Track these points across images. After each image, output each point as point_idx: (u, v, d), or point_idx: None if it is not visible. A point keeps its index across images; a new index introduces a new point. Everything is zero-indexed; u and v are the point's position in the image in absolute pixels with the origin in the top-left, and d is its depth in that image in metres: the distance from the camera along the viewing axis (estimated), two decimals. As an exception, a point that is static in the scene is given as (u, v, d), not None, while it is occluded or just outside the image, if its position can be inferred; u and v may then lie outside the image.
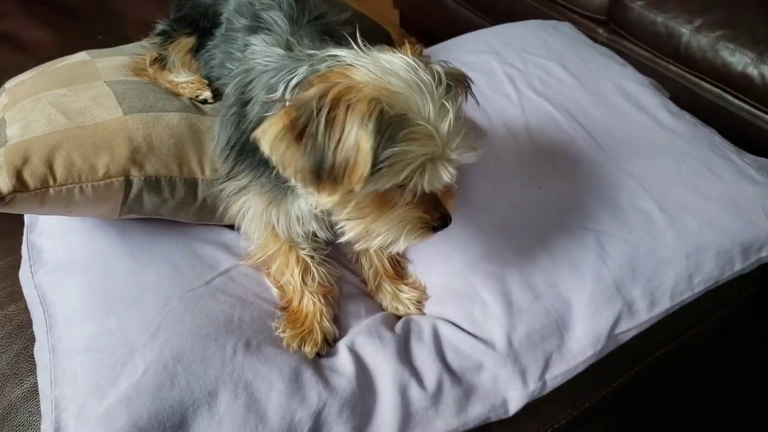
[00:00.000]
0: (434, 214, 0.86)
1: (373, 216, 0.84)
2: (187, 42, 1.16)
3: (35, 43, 1.61)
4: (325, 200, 0.78)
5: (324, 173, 0.74)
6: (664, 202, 1.14)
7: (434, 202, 0.86)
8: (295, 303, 1.00)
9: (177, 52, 1.15)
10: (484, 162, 1.21)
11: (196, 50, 1.16)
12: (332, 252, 1.12)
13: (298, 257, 1.03)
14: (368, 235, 0.85)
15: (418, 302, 1.09)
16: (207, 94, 1.13)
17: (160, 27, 1.20)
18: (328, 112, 0.72)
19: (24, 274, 1.06)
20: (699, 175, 1.19)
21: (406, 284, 1.10)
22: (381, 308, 1.10)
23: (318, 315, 0.98)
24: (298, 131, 0.73)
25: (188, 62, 1.16)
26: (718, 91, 2.06)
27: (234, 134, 0.93)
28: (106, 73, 1.14)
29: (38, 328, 0.97)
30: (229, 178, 0.97)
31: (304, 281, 1.00)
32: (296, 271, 1.01)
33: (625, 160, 1.21)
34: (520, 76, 1.37)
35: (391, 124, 0.74)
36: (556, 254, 1.09)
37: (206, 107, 1.13)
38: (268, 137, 0.74)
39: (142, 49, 1.25)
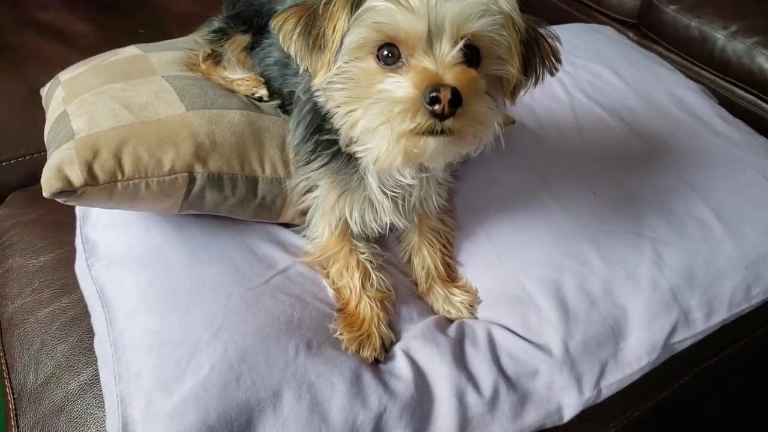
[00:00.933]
0: (424, 86, 0.71)
1: (356, 93, 0.79)
2: (243, 39, 1.15)
3: (78, 36, 1.61)
4: (318, 79, 0.81)
5: (311, 41, 0.79)
6: (722, 211, 1.13)
7: (432, 75, 0.73)
8: (352, 306, 1.00)
9: (233, 50, 1.15)
10: (538, 165, 1.21)
11: (251, 48, 1.15)
12: (383, 251, 1.12)
13: (358, 261, 1.02)
14: (354, 123, 0.79)
15: (471, 306, 1.08)
16: (263, 91, 1.12)
17: (216, 24, 1.19)
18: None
19: (80, 267, 1.06)
20: (756, 184, 1.18)
21: (458, 287, 1.10)
22: (432, 311, 1.09)
23: (375, 320, 0.97)
24: (304, 19, 0.80)
25: (243, 59, 1.16)
26: (752, 97, 2.05)
27: (309, 129, 0.95)
28: (162, 68, 1.14)
29: (97, 322, 0.97)
30: (305, 169, 0.99)
31: (363, 286, 1.00)
32: (356, 275, 1.00)
33: (680, 167, 1.20)
34: (571, 80, 1.36)
35: None
36: (612, 261, 1.08)
37: (263, 105, 1.12)
38: (283, 30, 0.81)
39: (194, 44, 1.24)
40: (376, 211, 0.99)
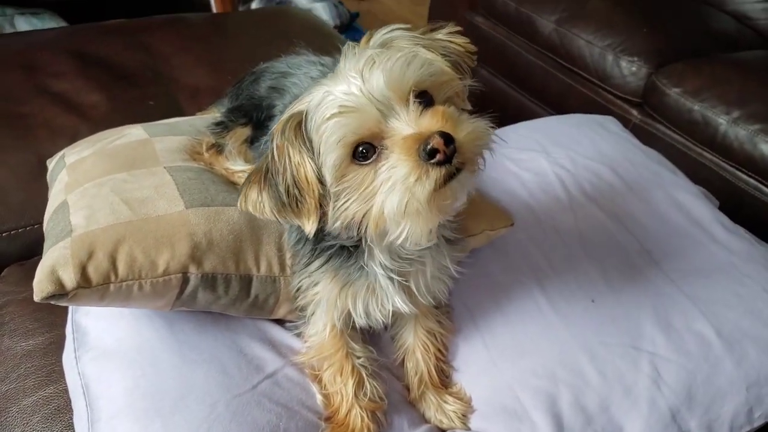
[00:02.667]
0: (415, 149, 0.73)
1: (363, 198, 0.79)
2: (243, 132, 1.16)
3: (89, 106, 1.63)
4: (310, 227, 0.81)
5: (284, 198, 0.80)
6: (722, 326, 1.11)
7: (413, 136, 0.74)
8: (342, 414, 0.98)
9: (233, 142, 1.16)
10: (536, 267, 1.21)
11: (251, 141, 1.16)
12: (377, 352, 1.10)
13: (353, 367, 1.01)
14: (373, 216, 0.79)
15: (464, 416, 1.06)
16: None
17: (218, 118, 1.21)
18: (277, 152, 0.80)
19: (68, 357, 1.04)
20: (757, 298, 1.16)
21: (451, 394, 1.08)
22: (424, 419, 1.07)
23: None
24: (264, 182, 0.82)
25: (244, 151, 1.17)
26: (755, 182, 2.05)
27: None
28: (165, 157, 1.15)
29: (79, 422, 0.95)
30: (305, 270, 0.98)
31: (356, 394, 0.98)
32: (350, 382, 0.98)
33: (679, 277, 1.19)
34: (571, 179, 1.36)
35: (306, 121, 0.79)
36: (609, 375, 1.06)
37: (263, 200, 1.12)
38: (250, 201, 0.83)
39: (199, 128, 1.25)
40: (379, 299, 0.98)
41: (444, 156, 0.72)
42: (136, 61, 1.84)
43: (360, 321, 1.01)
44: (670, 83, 2.23)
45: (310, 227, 0.82)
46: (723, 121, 2.08)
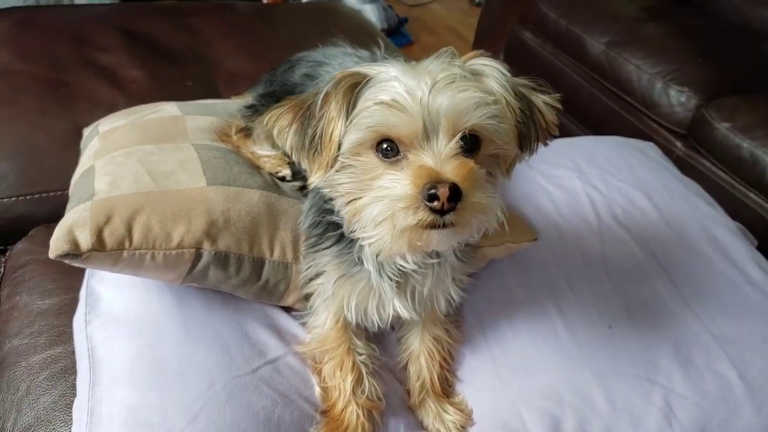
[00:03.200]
0: (422, 184, 0.72)
1: (359, 185, 0.79)
2: None
3: (130, 81, 1.66)
4: (315, 178, 0.81)
5: (307, 141, 0.79)
6: (746, 370, 1.06)
7: (429, 172, 0.73)
8: (338, 410, 0.96)
9: (262, 127, 1.16)
10: (555, 286, 1.17)
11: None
12: (380, 352, 1.08)
13: (354, 362, 0.99)
14: (357, 213, 0.79)
15: (462, 427, 1.03)
16: (286, 171, 1.13)
17: (250, 101, 1.22)
18: (323, 98, 0.79)
19: (78, 320, 1.05)
20: (787, 347, 1.10)
21: (452, 404, 1.05)
22: (422, 426, 1.04)
23: (359, 430, 0.93)
24: (300, 117, 0.81)
25: (272, 136, 1.16)
26: (800, 229, 1.97)
27: (320, 212, 0.96)
28: (194, 135, 1.16)
29: (81, 383, 0.96)
30: (313, 254, 0.98)
31: (353, 390, 0.96)
32: (349, 378, 0.97)
33: (705, 314, 1.14)
34: (603, 201, 1.32)
35: (362, 87, 0.78)
36: (618, 404, 1.02)
37: (285, 186, 1.12)
38: (278, 125, 0.83)
39: (229, 116, 1.26)
40: (379, 300, 0.96)
41: (441, 207, 0.71)
42: (180, 42, 1.87)
43: (355, 318, 0.99)
44: (719, 117, 2.16)
45: (315, 178, 0.82)
46: (772, 161, 2.01)
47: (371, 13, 3.79)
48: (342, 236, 0.93)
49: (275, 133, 0.84)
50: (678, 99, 2.30)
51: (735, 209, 2.13)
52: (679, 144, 2.35)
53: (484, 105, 0.76)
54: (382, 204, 0.75)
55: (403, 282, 0.95)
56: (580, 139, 1.57)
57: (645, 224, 1.29)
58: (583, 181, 1.36)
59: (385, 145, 0.77)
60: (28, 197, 1.42)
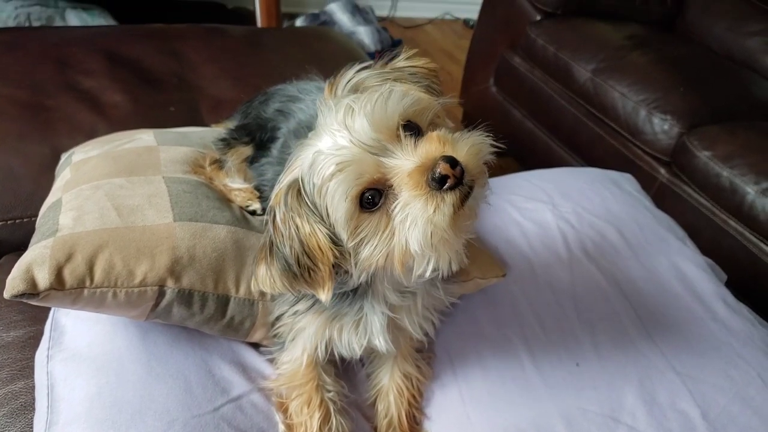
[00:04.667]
0: (424, 182, 0.72)
1: (383, 243, 0.77)
2: (245, 150, 1.17)
3: (112, 106, 1.66)
4: (325, 295, 0.79)
5: (295, 269, 0.77)
6: (709, 409, 1.06)
7: (418, 170, 0.74)
8: (302, 448, 0.96)
9: (234, 159, 1.17)
10: (524, 323, 1.17)
11: (252, 161, 1.17)
12: (349, 389, 1.08)
13: (322, 399, 1.00)
14: (403, 256, 0.77)
15: (428, 466, 1.03)
16: (256, 206, 1.13)
17: (222, 134, 1.22)
18: (273, 219, 0.79)
19: (40, 355, 1.04)
20: (750, 384, 1.10)
21: (419, 442, 1.05)
22: (388, 463, 1.04)
23: (323, 468, 0.93)
24: (270, 256, 0.80)
25: (243, 170, 1.18)
26: (779, 257, 1.98)
27: None
28: (167, 167, 1.16)
29: (38, 421, 0.95)
30: (290, 308, 0.98)
31: (320, 428, 0.97)
32: (316, 415, 0.97)
33: (670, 350, 1.14)
34: (574, 235, 1.33)
35: (304, 186, 0.77)
36: (583, 444, 1.01)
37: (255, 221, 1.12)
38: (260, 279, 0.81)
39: (205, 146, 1.27)
40: (364, 334, 0.96)
41: (455, 180, 0.72)
42: (165, 66, 1.88)
43: (342, 352, 1.00)
44: (700, 145, 2.18)
45: (325, 295, 0.80)
46: (751, 191, 2.03)
47: (365, 35, 3.82)
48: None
49: (266, 288, 0.82)
50: (661, 127, 2.33)
51: (716, 236, 2.15)
52: (662, 171, 2.38)
53: (388, 96, 0.77)
54: (417, 228, 0.74)
55: (395, 313, 0.96)
56: (556, 171, 1.58)
57: (615, 259, 1.30)
58: (556, 214, 1.37)
59: (366, 196, 0.76)
60: (0, 223, 1.41)
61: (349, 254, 0.79)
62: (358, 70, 0.84)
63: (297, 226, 0.77)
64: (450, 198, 0.72)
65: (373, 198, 0.76)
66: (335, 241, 0.78)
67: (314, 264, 0.78)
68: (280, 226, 0.78)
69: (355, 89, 0.82)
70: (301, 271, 0.78)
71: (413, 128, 0.78)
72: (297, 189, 0.78)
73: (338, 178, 0.74)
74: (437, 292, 0.98)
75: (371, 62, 0.87)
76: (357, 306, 0.94)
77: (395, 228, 0.76)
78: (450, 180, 0.71)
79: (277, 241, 0.78)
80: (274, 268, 0.79)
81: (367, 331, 0.96)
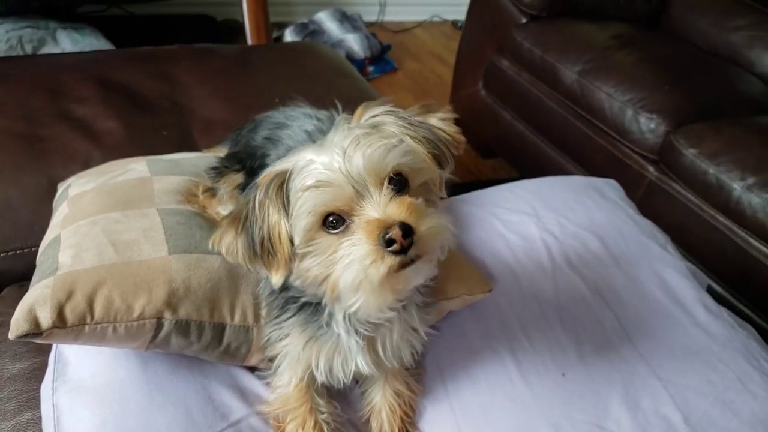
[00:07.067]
0: (376, 235, 0.77)
1: (325, 263, 0.83)
2: (236, 178, 1.21)
3: (105, 133, 1.70)
4: (277, 278, 0.85)
5: (257, 248, 0.83)
6: (691, 413, 1.10)
7: (377, 223, 0.79)
8: (300, 468, 1.00)
9: (225, 187, 1.21)
10: (511, 335, 1.21)
11: (243, 188, 1.19)
12: (343, 407, 1.12)
13: (316, 421, 1.04)
14: (333, 288, 0.83)
15: (422, 479, 1.07)
16: (249, 233, 1.17)
17: (214, 162, 1.26)
18: (254, 198, 0.84)
19: (45, 387, 1.08)
20: (730, 388, 1.15)
21: (412, 457, 1.09)
22: (383, 478, 1.08)
23: (320, 487, 0.97)
24: (242, 228, 0.85)
25: (236, 197, 1.21)
26: (766, 250, 2.02)
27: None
28: (160, 198, 1.20)
29: (47, 454, 0.99)
30: (276, 322, 1.02)
31: None
32: None
33: (653, 358, 1.18)
34: (558, 246, 1.37)
35: (288, 182, 0.83)
36: (570, 451, 1.06)
37: (247, 248, 1.16)
38: (224, 242, 0.87)
39: (197, 174, 1.30)
40: (343, 358, 1.01)
41: (400, 246, 0.77)
42: (156, 90, 1.91)
43: (321, 378, 1.03)
44: (687, 143, 2.22)
45: (277, 279, 0.86)
46: (737, 187, 2.06)
47: (354, 43, 3.85)
48: (303, 305, 0.98)
49: (224, 252, 0.88)
50: (648, 126, 2.36)
51: (706, 233, 2.19)
52: (651, 169, 2.41)
53: (393, 148, 0.82)
54: (351, 270, 0.79)
55: (369, 338, 0.99)
56: (540, 181, 1.62)
57: (598, 268, 1.34)
58: (539, 226, 1.41)
59: (330, 218, 0.82)
60: (2, 255, 1.44)
61: (296, 257, 0.85)
62: (388, 112, 0.89)
63: (268, 213, 0.83)
64: (389, 260, 0.77)
65: (336, 222, 0.82)
66: (291, 240, 0.83)
67: (273, 250, 0.84)
68: (257, 206, 0.84)
69: (374, 126, 0.87)
70: (262, 252, 0.84)
71: (401, 183, 0.84)
72: (282, 181, 0.83)
73: (314, 192, 0.80)
74: (413, 321, 1.03)
75: (405, 109, 0.90)
76: (329, 328, 0.98)
77: (337, 258, 0.81)
78: (396, 245, 0.77)
79: (251, 218, 0.84)
80: (241, 240, 0.85)
81: (345, 354, 1.00)
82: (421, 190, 0.87)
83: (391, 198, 0.80)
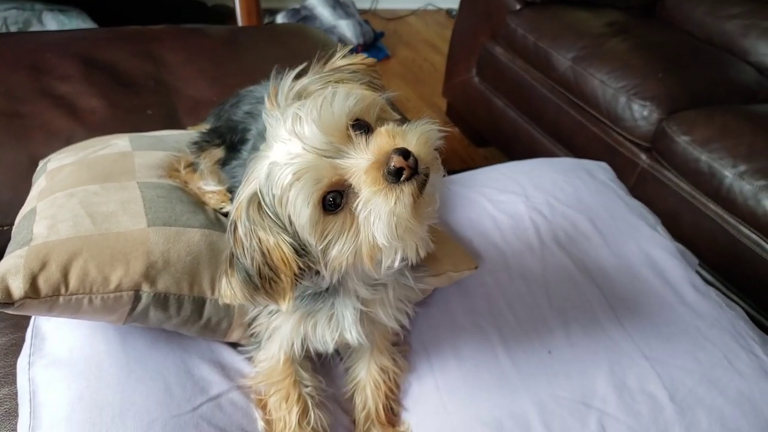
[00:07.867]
0: (380, 176, 0.74)
1: (351, 240, 0.79)
2: (217, 152, 1.18)
3: (88, 111, 1.67)
4: (286, 304, 0.81)
5: (256, 280, 0.78)
6: (676, 391, 1.09)
7: (374, 164, 0.75)
8: (282, 443, 0.98)
9: (206, 162, 1.18)
10: (498, 312, 1.20)
11: (224, 163, 1.18)
12: (327, 383, 1.11)
13: (300, 394, 1.02)
14: (366, 251, 0.78)
15: (407, 456, 1.05)
16: (229, 207, 1.15)
17: (195, 137, 1.24)
18: (234, 231, 0.79)
19: (22, 361, 1.06)
20: (717, 366, 1.14)
21: (397, 433, 1.08)
22: (367, 455, 1.07)
23: (303, 461, 0.96)
24: (231, 267, 0.81)
25: (216, 172, 1.19)
26: (756, 238, 2.02)
27: None
28: (141, 172, 1.17)
29: (22, 427, 0.97)
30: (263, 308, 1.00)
31: (299, 422, 0.99)
32: (295, 410, 1.00)
33: (640, 337, 1.17)
34: (546, 226, 1.36)
35: (263, 199, 0.78)
36: (555, 429, 1.05)
37: (229, 222, 1.14)
38: (223, 293, 0.82)
39: (180, 150, 1.28)
40: (338, 328, 0.98)
41: (410, 170, 0.74)
42: (142, 70, 1.88)
43: (318, 347, 1.02)
44: (679, 130, 2.21)
45: (285, 305, 0.82)
46: (729, 174, 2.05)
47: (346, 29, 3.82)
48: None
49: (226, 299, 0.83)
50: (641, 113, 2.35)
51: (697, 220, 2.19)
52: (643, 156, 2.40)
53: (332, 98, 0.78)
54: (381, 222, 0.75)
55: (367, 303, 0.98)
56: (530, 162, 1.60)
57: (586, 248, 1.33)
58: (528, 205, 1.40)
59: (328, 198, 0.77)
60: (-20, 232, 1.42)
61: (318, 257, 0.80)
62: (296, 77, 0.85)
63: (260, 239, 0.78)
64: (408, 188, 0.74)
65: (334, 200, 0.77)
66: (299, 251, 0.79)
67: (276, 275, 0.79)
68: (241, 238, 0.79)
69: (299, 96, 0.84)
70: (262, 282, 0.79)
71: (362, 126, 0.80)
72: (257, 202, 0.79)
73: (297, 186, 0.75)
74: (407, 281, 1.00)
75: (305, 65, 0.88)
76: (329, 303, 0.96)
77: (360, 225, 0.77)
78: (405, 171, 0.73)
79: (238, 253, 0.79)
80: (235, 280, 0.80)
81: (339, 326, 0.98)
82: (380, 123, 0.83)
83: (366, 140, 0.77)
